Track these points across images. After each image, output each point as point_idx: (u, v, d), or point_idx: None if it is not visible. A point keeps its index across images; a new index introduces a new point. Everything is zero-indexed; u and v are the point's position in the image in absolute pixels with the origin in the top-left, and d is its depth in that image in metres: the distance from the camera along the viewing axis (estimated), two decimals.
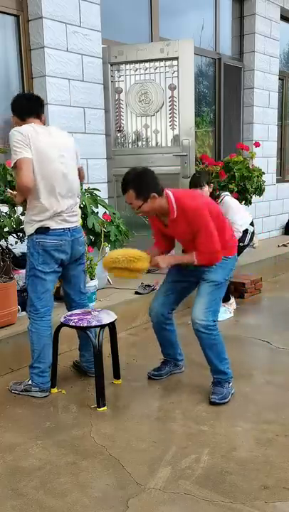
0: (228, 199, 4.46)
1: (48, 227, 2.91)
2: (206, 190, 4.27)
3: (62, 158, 2.93)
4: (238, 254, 3.29)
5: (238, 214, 4.42)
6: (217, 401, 2.89)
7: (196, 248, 2.84)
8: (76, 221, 3.07)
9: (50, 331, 3.05)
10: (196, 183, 4.31)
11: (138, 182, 2.74)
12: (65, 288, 3.24)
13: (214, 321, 2.89)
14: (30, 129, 2.83)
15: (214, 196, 4.36)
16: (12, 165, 2.82)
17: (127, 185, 2.74)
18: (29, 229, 2.94)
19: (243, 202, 5.86)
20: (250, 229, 4.67)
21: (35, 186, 2.83)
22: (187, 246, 3.00)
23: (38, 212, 2.89)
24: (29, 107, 2.97)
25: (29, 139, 2.78)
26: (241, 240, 4.49)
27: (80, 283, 3.22)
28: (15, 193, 3.08)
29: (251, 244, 6.60)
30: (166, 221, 2.89)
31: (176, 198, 2.78)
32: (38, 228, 2.91)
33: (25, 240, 3.74)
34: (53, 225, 2.92)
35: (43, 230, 2.91)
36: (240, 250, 4.35)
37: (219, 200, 4.38)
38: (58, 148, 2.92)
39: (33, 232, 2.92)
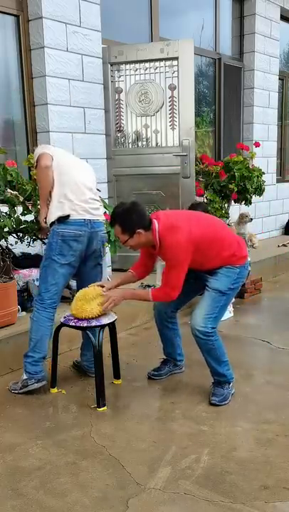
0: None
1: (69, 215, 2.97)
2: None
3: (79, 160, 3.25)
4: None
5: None
6: (217, 403, 2.89)
7: (162, 279, 2.88)
8: (98, 214, 3.12)
9: (50, 323, 3.06)
10: None
11: (124, 218, 2.78)
12: (79, 286, 3.24)
13: (213, 328, 2.87)
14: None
15: None
16: (34, 163, 3.06)
17: (114, 220, 2.81)
18: (50, 216, 3.01)
19: (243, 202, 5.87)
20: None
21: (57, 178, 2.98)
22: None
23: (61, 201, 2.98)
24: None
25: (48, 148, 3.09)
26: None
27: (93, 280, 3.18)
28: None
29: (250, 244, 6.61)
30: (155, 249, 2.89)
31: (160, 231, 2.77)
32: (59, 217, 2.97)
33: (26, 240, 3.77)
34: (74, 214, 2.98)
35: (63, 219, 2.97)
36: None
37: None
38: (74, 157, 3.27)
39: (55, 220, 2.98)
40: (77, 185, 3.02)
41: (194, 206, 4.32)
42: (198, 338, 2.88)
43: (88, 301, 2.90)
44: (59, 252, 2.99)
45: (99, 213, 3.13)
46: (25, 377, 3.05)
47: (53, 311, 3.06)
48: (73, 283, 3.95)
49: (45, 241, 3.10)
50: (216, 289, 2.88)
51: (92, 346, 2.95)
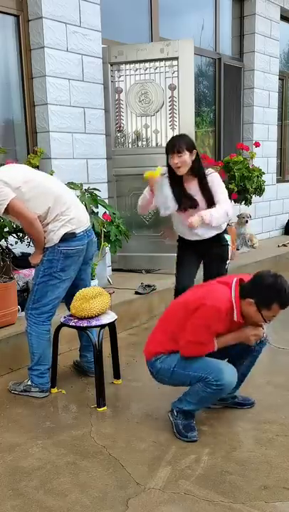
0: (217, 176, 3.44)
1: (74, 233, 2.89)
2: (187, 158, 3.21)
3: (41, 173, 3.08)
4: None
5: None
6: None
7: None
8: (88, 219, 3.06)
9: (49, 334, 3.04)
10: (173, 147, 3.21)
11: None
12: (70, 288, 3.19)
13: None
14: None
15: (197, 168, 3.30)
16: (2, 212, 2.78)
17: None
18: (53, 237, 2.86)
19: (243, 202, 5.87)
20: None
21: (45, 207, 2.83)
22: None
23: (59, 221, 2.87)
24: None
25: (3, 181, 2.75)
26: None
27: (86, 285, 3.20)
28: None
29: (250, 244, 6.63)
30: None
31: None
32: (64, 234, 2.86)
33: (26, 240, 3.77)
34: (76, 229, 2.91)
35: (67, 237, 2.87)
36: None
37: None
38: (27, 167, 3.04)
39: (58, 241, 2.88)
40: (63, 200, 2.89)
41: (176, 137, 3.36)
42: (260, 352, 2.82)
43: (87, 300, 2.90)
44: (61, 269, 2.92)
45: (88, 217, 3.06)
46: (29, 383, 3.05)
47: (50, 323, 3.03)
48: None
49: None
50: None
51: (91, 347, 2.95)
